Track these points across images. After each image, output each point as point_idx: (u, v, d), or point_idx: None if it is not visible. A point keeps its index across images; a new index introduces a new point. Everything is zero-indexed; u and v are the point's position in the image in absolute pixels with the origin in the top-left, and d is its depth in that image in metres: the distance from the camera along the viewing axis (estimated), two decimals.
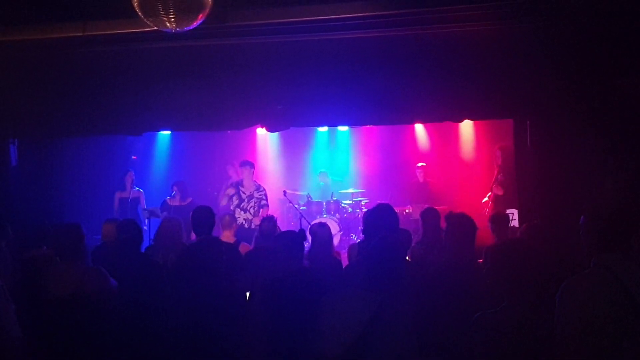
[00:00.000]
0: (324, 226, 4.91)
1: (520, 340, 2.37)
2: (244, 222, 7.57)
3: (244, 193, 7.72)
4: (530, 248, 2.61)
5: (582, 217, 2.67)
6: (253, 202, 7.67)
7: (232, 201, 7.73)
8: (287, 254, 3.63)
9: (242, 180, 7.83)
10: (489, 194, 8.04)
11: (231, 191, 7.78)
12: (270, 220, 5.49)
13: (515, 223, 6.82)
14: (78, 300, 3.48)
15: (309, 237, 4.66)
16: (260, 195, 7.75)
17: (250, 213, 7.63)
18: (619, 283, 2.39)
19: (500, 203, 7.66)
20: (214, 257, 3.59)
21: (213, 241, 4.26)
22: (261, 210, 7.66)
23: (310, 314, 3.16)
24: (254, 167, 7.94)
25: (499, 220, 5.24)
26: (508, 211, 6.87)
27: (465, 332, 2.52)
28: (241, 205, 7.65)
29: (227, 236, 5.69)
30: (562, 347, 2.35)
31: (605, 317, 2.35)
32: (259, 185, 7.88)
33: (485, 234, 4.77)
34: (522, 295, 2.45)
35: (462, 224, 3.55)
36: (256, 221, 7.45)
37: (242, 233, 7.04)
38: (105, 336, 3.51)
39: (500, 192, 7.69)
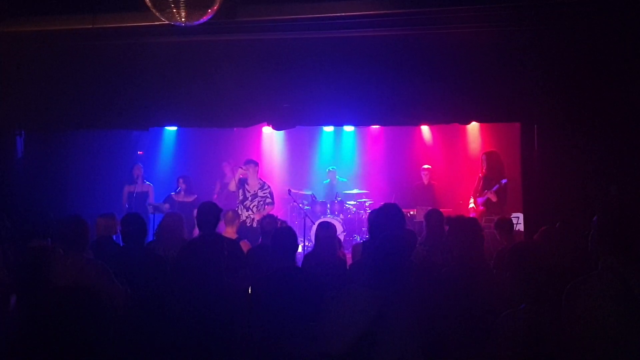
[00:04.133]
0: (328, 225, 4.90)
1: (544, 340, 2.36)
2: (246, 219, 7.52)
3: (248, 192, 7.67)
4: (547, 250, 2.60)
5: (593, 219, 2.66)
6: (257, 201, 7.62)
7: (238, 195, 7.71)
8: (278, 252, 3.63)
9: (246, 179, 7.77)
10: (482, 198, 7.94)
11: (235, 186, 7.77)
12: (270, 218, 5.49)
13: (520, 227, 6.79)
14: (79, 292, 3.47)
15: (312, 237, 4.66)
16: (264, 193, 7.67)
17: (253, 211, 7.57)
18: (624, 286, 2.38)
19: (493, 207, 7.60)
20: (215, 253, 3.57)
21: (215, 237, 4.25)
22: (266, 207, 7.57)
23: (302, 313, 3.15)
24: (258, 166, 7.88)
25: (504, 224, 5.25)
26: (513, 215, 6.85)
27: (486, 332, 2.50)
28: (245, 203, 7.62)
29: (229, 232, 5.71)
30: (569, 348, 2.34)
31: (609, 319, 2.35)
32: (264, 183, 7.81)
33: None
34: (541, 296, 2.45)
35: (463, 227, 3.53)
36: (258, 217, 7.42)
37: (243, 231, 7.01)
38: (106, 328, 3.50)
39: (494, 199, 7.62)
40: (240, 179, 7.80)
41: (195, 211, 8.14)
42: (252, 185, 7.70)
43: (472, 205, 8.00)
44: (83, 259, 3.76)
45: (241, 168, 7.75)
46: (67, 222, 3.92)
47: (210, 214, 4.59)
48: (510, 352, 2.40)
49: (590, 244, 2.65)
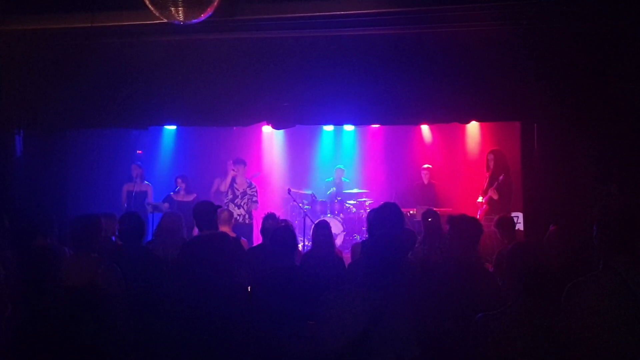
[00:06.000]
0: (324, 225, 4.90)
1: (522, 341, 2.33)
2: (237, 217, 7.86)
3: (237, 190, 8.03)
4: (545, 251, 2.58)
5: (596, 220, 2.65)
6: (246, 199, 8.01)
7: (227, 194, 8.02)
8: (277, 251, 3.62)
9: (234, 178, 8.10)
10: (485, 197, 7.97)
11: (225, 186, 8.08)
12: (272, 217, 5.50)
13: (520, 226, 6.77)
14: (90, 291, 3.46)
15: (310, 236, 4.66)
16: (252, 192, 8.07)
17: (244, 209, 7.96)
18: (626, 285, 2.37)
19: (496, 205, 7.60)
20: (223, 252, 3.57)
21: (222, 236, 4.24)
22: (252, 205, 8.00)
23: (300, 312, 3.14)
24: (246, 165, 8.29)
25: (505, 223, 5.21)
26: (512, 214, 6.83)
27: (468, 333, 2.49)
28: (235, 201, 7.97)
29: (226, 231, 5.68)
30: (567, 348, 2.32)
31: (611, 319, 2.33)
32: (251, 182, 8.21)
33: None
34: (529, 297, 2.41)
35: (465, 226, 3.51)
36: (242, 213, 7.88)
37: (237, 228, 7.32)
38: (115, 329, 3.49)
39: (495, 197, 7.63)
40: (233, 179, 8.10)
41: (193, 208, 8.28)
42: (241, 184, 8.06)
43: (480, 199, 8.03)
44: (96, 259, 3.73)
45: (232, 170, 8.10)
46: (82, 221, 3.88)
47: (206, 211, 4.58)
48: (504, 351, 2.37)
49: (593, 243, 2.64)
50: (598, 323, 2.34)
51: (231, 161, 9.51)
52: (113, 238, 5.27)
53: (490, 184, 7.83)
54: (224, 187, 8.18)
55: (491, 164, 7.96)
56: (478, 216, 7.56)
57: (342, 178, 10.38)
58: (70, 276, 3.54)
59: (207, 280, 3.37)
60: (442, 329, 2.72)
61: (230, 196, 7.97)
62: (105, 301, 3.38)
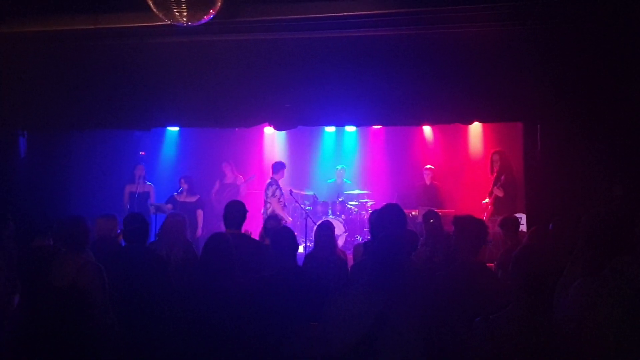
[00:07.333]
0: (326, 225, 4.89)
1: (523, 344, 2.32)
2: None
3: (284, 193, 8.38)
4: (545, 253, 2.56)
5: (590, 220, 2.64)
6: None
7: (280, 200, 8.25)
8: (278, 253, 3.63)
9: (280, 184, 8.36)
10: (491, 197, 7.99)
11: (278, 192, 8.26)
12: (274, 218, 5.50)
13: (523, 227, 6.76)
14: (73, 291, 3.47)
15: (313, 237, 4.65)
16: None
17: None
18: (630, 286, 2.37)
19: (501, 205, 7.60)
20: (252, 251, 3.58)
21: (223, 236, 4.24)
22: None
23: (303, 313, 3.15)
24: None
25: (510, 223, 5.18)
26: (516, 215, 6.82)
27: (467, 335, 2.48)
28: (285, 205, 8.47)
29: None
30: (570, 348, 2.31)
31: (615, 320, 2.33)
32: None
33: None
34: (531, 299, 2.40)
35: (470, 227, 3.50)
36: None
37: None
38: (91, 326, 3.49)
39: (500, 194, 7.63)
40: (276, 183, 8.30)
41: (197, 212, 8.31)
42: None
43: (486, 200, 8.04)
44: (80, 260, 3.75)
45: (274, 176, 8.37)
46: (67, 222, 3.92)
47: (241, 213, 4.55)
48: (503, 355, 2.36)
49: (586, 243, 2.63)
50: (602, 324, 2.33)
51: (226, 163, 9.52)
52: (123, 243, 5.27)
53: (495, 184, 7.85)
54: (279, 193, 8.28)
55: (496, 165, 7.96)
56: (484, 217, 7.56)
57: (344, 179, 10.38)
58: (59, 276, 3.56)
59: (229, 278, 3.36)
60: (446, 330, 2.73)
61: (282, 202, 8.25)
62: (86, 299, 3.40)
